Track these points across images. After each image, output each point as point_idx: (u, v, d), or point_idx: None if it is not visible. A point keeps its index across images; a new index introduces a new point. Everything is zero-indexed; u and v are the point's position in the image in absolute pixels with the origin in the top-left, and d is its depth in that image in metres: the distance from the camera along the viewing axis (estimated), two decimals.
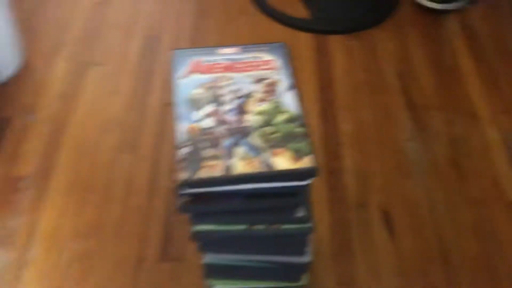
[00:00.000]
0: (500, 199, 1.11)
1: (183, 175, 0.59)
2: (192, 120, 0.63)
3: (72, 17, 1.48)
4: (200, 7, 1.53)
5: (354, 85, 1.33)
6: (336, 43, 1.42)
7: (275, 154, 0.60)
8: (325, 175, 1.14)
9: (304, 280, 0.81)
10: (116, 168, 1.16)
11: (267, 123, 0.62)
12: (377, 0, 1.56)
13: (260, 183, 0.60)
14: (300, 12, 1.51)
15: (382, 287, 0.99)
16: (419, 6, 1.50)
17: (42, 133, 1.22)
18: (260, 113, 0.63)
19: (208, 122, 0.62)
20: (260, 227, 0.67)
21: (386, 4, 1.53)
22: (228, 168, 0.58)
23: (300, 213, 0.66)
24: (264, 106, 0.64)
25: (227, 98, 0.65)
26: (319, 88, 1.31)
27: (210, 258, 0.74)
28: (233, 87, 0.66)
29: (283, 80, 0.67)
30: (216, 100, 0.65)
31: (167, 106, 1.28)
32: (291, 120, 0.63)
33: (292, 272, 0.77)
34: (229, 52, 0.69)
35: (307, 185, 0.63)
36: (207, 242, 0.71)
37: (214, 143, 0.61)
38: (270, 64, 0.68)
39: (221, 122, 0.63)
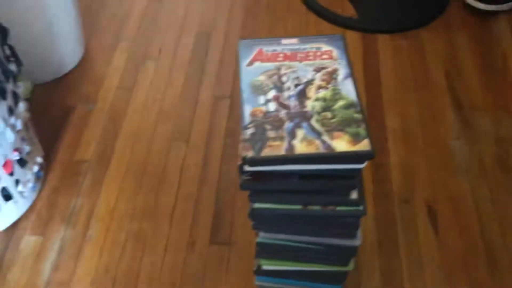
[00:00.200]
0: None
1: (248, 154, 0.63)
2: (256, 104, 0.67)
3: (130, 13, 1.56)
4: (250, 5, 1.58)
5: (401, 83, 1.34)
6: (384, 42, 1.44)
7: (334, 137, 0.63)
8: (371, 170, 1.17)
9: (351, 265, 0.84)
10: (169, 156, 1.22)
11: (326, 109, 0.66)
12: (426, 0, 1.57)
13: (319, 164, 0.64)
14: (348, 11, 1.54)
15: (425, 280, 1.01)
16: (468, 7, 1.51)
17: (101, 121, 1.29)
18: (319, 99, 0.67)
19: (271, 106, 0.67)
20: (315, 207, 0.71)
21: (435, 4, 1.54)
22: (290, 148, 0.63)
23: (354, 195, 0.69)
24: (323, 93, 0.68)
25: (288, 85, 0.69)
26: (366, 85, 1.34)
27: (263, 237, 0.78)
28: (294, 75, 0.70)
29: (341, 69, 0.70)
30: (278, 86, 0.69)
31: (217, 99, 1.34)
32: (349, 106, 0.66)
33: (341, 255, 0.81)
34: (290, 43, 0.73)
35: (361, 169, 0.67)
36: (262, 221, 0.76)
37: (277, 125, 0.65)
38: (329, 54, 0.72)
39: (283, 106, 0.67)
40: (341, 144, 0.63)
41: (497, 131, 1.23)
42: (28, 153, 1.11)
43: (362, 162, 0.64)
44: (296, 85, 0.69)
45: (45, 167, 1.20)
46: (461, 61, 1.39)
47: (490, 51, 1.41)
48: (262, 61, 0.72)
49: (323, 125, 0.65)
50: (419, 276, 1.01)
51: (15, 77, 1.05)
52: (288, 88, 0.69)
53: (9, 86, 1.01)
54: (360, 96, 0.68)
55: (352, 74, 0.70)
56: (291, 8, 1.56)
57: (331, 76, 0.70)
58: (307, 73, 0.70)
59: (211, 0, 1.60)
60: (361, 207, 0.70)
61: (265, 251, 0.82)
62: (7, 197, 1.07)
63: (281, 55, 0.72)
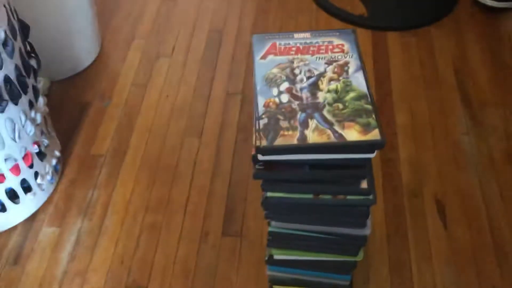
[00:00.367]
0: None
1: (262, 143, 0.65)
2: (269, 96, 0.70)
3: (144, 12, 1.60)
4: (261, 4, 1.60)
5: (410, 80, 1.36)
6: (393, 40, 1.46)
7: (345, 127, 0.66)
8: (380, 164, 1.19)
9: (360, 255, 0.86)
10: (183, 151, 1.25)
11: (337, 100, 0.68)
12: None
13: (330, 154, 0.66)
14: (359, 8, 1.55)
15: (433, 273, 1.02)
16: (477, 4, 1.52)
17: (117, 117, 1.33)
18: (331, 91, 0.70)
19: (284, 98, 0.69)
20: (326, 197, 0.73)
21: (444, 2, 1.56)
22: (302, 138, 0.65)
23: (364, 185, 0.71)
24: (335, 85, 0.70)
25: (300, 77, 0.72)
26: (376, 81, 1.36)
27: (275, 226, 0.81)
28: (306, 68, 0.72)
29: (352, 62, 0.73)
30: (291, 79, 0.71)
31: (229, 95, 1.36)
32: (359, 97, 0.68)
33: (351, 245, 0.82)
34: (303, 37, 0.76)
35: (371, 159, 0.69)
36: (274, 210, 0.78)
37: (289, 116, 0.67)
38: (340, 48, 0.74)
39: (295, 98, 0.69)
40: (352, 133, 0.65)
41: (506, 127, 1.25)
42: (47, 147, 1.14)
43: (372, 152, 0.66)
44: (308, 78, 0.72)
45: (63, 161, 1.24)
46: (470, 58, 1.40)
47: (499, 47, 1.42)
48: (275, 54, 0.75)
49: (334, 115, 0.67)
50: (427, 268, 1.03)
51: (35, 73, 1.09)
52: (301, 81, 0.71)
53: (30, 81, 1.05)
54: (370, 88, 0.70)
55: (363, 67, 0.72)
56: (302, 6, 1.58)
57: (343, 68, 0.72)
58: (319, 66, 0.73)
59: None
60: (371, 196, 0.72)
61: (277, 240, 0.84)
62: (27, 189, 1.11)
63: (294, 48, 0.75)
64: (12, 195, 1.09)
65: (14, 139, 1.01)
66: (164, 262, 1.07)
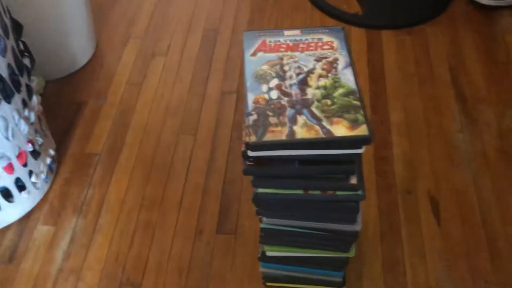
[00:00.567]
0: None
1: (251, 139, 0.66)
2: (259, 92, 0.70)
3: (139, 11, 1.60)
4: (257, 2, 1.61)
5: (405, 77, 1.36)
6: (388, 38, 1.46)
7: (333, 123, 0.66)
8: (374, 162, 1.19)
9: (352, 251, 0.86)
10: (178, 149, 1.26)
11: (326, 96, 0.69)
12: None
13: (319, 149, 0.67)
14: (353, 7, 1.56)
15: (426, 268, 1.03)
16: (472, 2, 1.52)
17: (112, 116, 1.33)
18: (320, 87, 0.70)
19: (273, 94, 0.70)
20: (315, 192, 0.73)
21: (439, 0, 1.56)
22: (291, 134, 0.65)
23: (353, 180, 0.71)
24: (324, 81, 0.70)
25: (290, 74, 0.72)
26: (370, 79, 1.36)
27: (266, 222, 0.81)
28: (295, 65, 0.73)
29: (341, 59, 0.73)
30: (281, 75, 0.72)
31: (224, 94, 1.37)
32: (348, 93, 0.69)
33: (342, 241, 0.83)
34: (292, 34, 0.76)
35: (359, 154, 0.69)
36: (266, 206, 0.78)
37: (279, 112, 0.68)
38: (330, 45, 0.75)
39: (285, 94, 0.70)
40: (340, 129, 0.65)
41: (500, 124, 1.25)
42: (41, 145, 1.15)
43: (360, 147, 0.66)
44: (298, 74, 0.72)
45: (58, 159, 1.24)
46: (465, 56, 1.40)
47: (494, 45, 1.42)
48: (265, 51, 0.75)
49: (323, 111, 0.67)
50: (421, 265, 1.03)
51: (29, 72, 1.09)
52: (290, 77, 0.72)
53: (24, 80, 1.05)
54: (359, 84, 0.71)
55: (351, 64, 0.73)
56: (297, 5, 1.59)
57: (332, 65, 0.72)
58: (309, 63, 0.73)
59: None
60: (360, 192, 0.72)
61: (269, 236, 0.85)
62: (21, 187, 1.11)
63: (284, 45, 0.75)
64: (6, 193, 1.09)
65: (7, 138, 1.01)
66: (159, 259, 1.07)
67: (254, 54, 0.75)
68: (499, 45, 1.42)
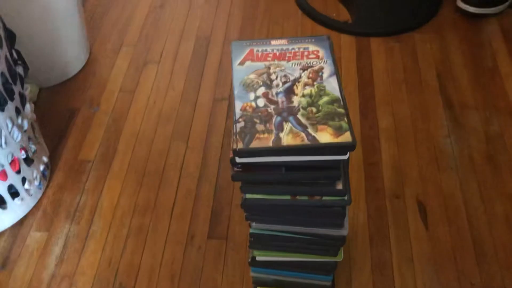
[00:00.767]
0: None
1: (238, 145, 0.68)
2: (246, 100, 0.72)
3: (132, 19, 1.62)
4: (248, 11, 1.63)
5: (394, 84, 1.39)
6: (377, 45, 1.49)
7: (318, 130, 0.68)
8: (363, 167, 1.21)
9: (340, 255, 0.88)
10: (170, 155, 1.27)
11: (311, 104, 0.71)
12: (418, 4, 1.61)
13: (304, 155, 0.69)
14: (343, 15, 1.58)
15: (414, 271, 1.05)
16: (459, 10, 1.55)
17: (105, 123, 1.35)
18: (305, 95, 0.72)
19: (260, 102, 0.72)
20: (303, 198, 0.75)
21: (427, 8, 1.59)
22: (277, 140, 0.67)
23: (339, 186, 0.73)
24: (309, 90, 0.72)
25: (277, 82, 0.74)
26: (359, 86, 1.38)
27: (255, 228, 0.83)
28: (282, 73, 0.75)
29: (326, 68, 0.75)
30: (267, 84, 0.74)
31: (216, 101, 1.38)
32: (332, 101, 0.71)
33: (330, 245, 0.84)
34: (279, 43, 0.78)
35: (345, 160, 0.71)
36: (254, 211, 0.80)
37: (265, 119, 0.69)
38: (315, 54, 0.77)
39: (271, 102, 0.72)
40: (325, 136, 0.67)
41: (486, 129, 1.27)
42: (34, 153, 1.16)
43: (345, 153, 0.68)
44: (284, 83, 0.74)
45: (51, 166, 1.25)
46: (452, 62, 1.43)
47: (480, 52, 1.45)
48: (253, 60, 0.77)
49: (308, 119, 0.69)
50: (409, 268, 1.05)
51: (22, 80, 1.10)
52: (277, 86, 0.74)
53: (17, 88, 1.07)
54: (343, 92, 0.73)
55: (336, 72, 0.75)
56: (288, 13, 1.61)
57: (317, 74, 0.74)
58: (295, 72, 0.75)
59: (210, 6, 1.65)
60: (346, 197, 0.74)
61: (258, 241, 0.86)
62: (14, 194, 1.12)
63: (271, 55, 0.77)
64: (0, 200, 1.10)
65: (0, 145, 1.03)
66: (151, 264, 1.08)
67: (242, 63, 0.77)
68: (485, 52, 1.45)
